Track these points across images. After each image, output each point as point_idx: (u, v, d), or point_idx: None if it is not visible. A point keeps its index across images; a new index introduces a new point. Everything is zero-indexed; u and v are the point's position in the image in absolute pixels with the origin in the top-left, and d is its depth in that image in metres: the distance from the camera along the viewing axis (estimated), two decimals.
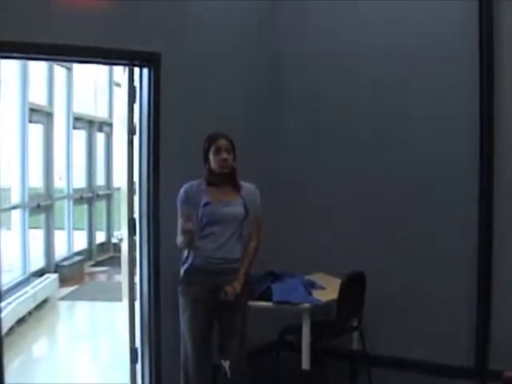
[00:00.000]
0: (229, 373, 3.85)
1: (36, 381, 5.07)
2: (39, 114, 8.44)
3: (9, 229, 7.78)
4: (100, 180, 11.64)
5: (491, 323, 4.72)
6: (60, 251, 9.29)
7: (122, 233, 4.78)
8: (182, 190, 3.90)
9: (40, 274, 8.04)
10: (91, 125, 11.07)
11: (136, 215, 4.48)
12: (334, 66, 5.26)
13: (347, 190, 5.23)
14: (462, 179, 4.84)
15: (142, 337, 4.46)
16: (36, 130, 8.45)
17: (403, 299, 5.02)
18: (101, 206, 11.69)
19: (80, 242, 10.48)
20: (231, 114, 4.85)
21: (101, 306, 7.70)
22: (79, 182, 10.57)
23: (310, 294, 4.42)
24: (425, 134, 4.97)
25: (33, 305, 6.97)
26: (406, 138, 5.04)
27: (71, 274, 9.03)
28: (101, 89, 11.79)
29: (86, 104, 11.11)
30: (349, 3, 5.18)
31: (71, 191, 9.93)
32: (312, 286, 4.60)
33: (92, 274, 9.75)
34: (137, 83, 4.44)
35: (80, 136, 10.67)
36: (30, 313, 6.85)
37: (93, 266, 10.37)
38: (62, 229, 9.69)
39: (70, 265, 9.23)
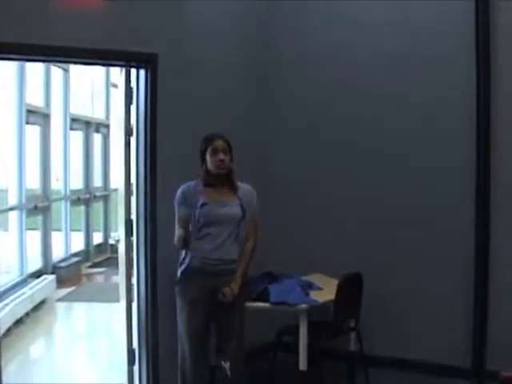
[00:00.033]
0: (229, 374, 3.85)
1: (33, 382, 5.06)
2: (36, 116, 8.43)
3: (6, 230, 7.79)
4: (97, 181, 11.62)
5: (488, 324, 4.73)
6: (57, 252, 9.27)
7: (119, 234, 4.78)
8: (179, 191, 3.89)
9: (37, 275, 8.03)
10: (88, 126, 11.06)
11: (133, 216, 4.49)
12: (333, 66, 5.26)
13: (344, 190, 5.23)
14: (459, 180, 4.85)
15: (139, 338, 4.46)
16: (33, 132, 8.44)
17: (400, 300, 5.03)
18: (98, 207, 11.67)
19: (77, 243, 10.46)
20: (228, 115, 4.84)
21: (98, 307, 7.69)
22: (76, 183, 10.55)
23: (307, 294, 4.42)
24: (423, 134, 4.97)
25: (30, 306, 6.96)
26: (404, 138, 5.04)
27: (68, 275, 9.02)
28: (98, 90, 11.80)
29: (83, 105, 11.09)
30: (348, 3, 5.18)
31: (68, 192, 9.91)
32: (309, 286, 4.60)
33: (89, 275, 9.74)
34: (134, 84, 4.44)
35: (77, 137, 10.66)
36: (27, 314, 6.84)
37: (90, 267, 10.37)
38: (59, 230, 9.66)
39: (68, 266, 9.23)
